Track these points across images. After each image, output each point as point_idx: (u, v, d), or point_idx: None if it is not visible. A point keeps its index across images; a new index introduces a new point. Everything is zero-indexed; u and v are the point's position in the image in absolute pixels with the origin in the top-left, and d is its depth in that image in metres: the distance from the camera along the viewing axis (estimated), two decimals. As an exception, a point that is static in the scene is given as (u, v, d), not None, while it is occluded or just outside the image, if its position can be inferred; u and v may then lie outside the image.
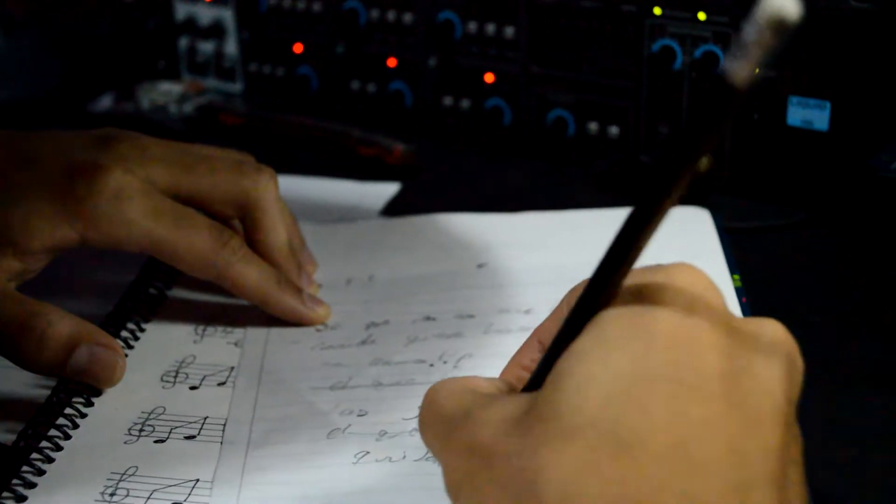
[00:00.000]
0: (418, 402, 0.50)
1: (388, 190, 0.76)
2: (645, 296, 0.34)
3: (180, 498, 0.45)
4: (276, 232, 0.58)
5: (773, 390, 0.33)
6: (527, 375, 0.39)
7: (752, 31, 0.29)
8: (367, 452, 0.48)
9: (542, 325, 0.41)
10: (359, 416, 0.50)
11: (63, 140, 0.56)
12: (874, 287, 0.63)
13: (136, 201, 0.54)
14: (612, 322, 0.34)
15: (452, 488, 0.35)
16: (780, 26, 0.28)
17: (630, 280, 0.34)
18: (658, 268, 0.36)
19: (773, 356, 0.34)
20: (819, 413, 0.50)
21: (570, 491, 0.31)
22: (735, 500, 0.31)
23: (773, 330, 0.35)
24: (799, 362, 0.35)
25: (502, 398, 0.35)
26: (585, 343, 0.33)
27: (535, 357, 0.40)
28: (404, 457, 0.47)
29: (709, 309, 0.34)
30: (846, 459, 0.48)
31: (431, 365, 0.54)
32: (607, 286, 0.34)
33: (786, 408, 0.33)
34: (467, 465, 0.34)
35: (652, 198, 0.32)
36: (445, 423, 0.35)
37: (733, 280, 0.58)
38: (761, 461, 0.32)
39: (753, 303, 0.56)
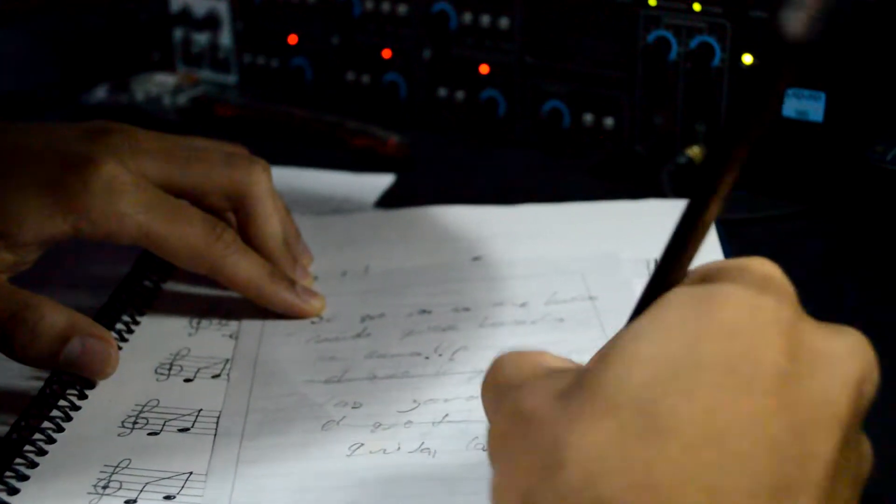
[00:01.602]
0: (413, 394, 0.51)
1: (382, 182, 0.76)
2: (713, 280, 0.34)
3: (174, 491, 0.45)
4: (270, 224, 0.58)
5: (835, 400, 0.32)
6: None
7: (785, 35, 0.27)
8: (362, 444, 0.47)
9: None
10: (353, 408, 0.50)
11: (56, 132, 0.56)
12: (869, 279, 0.63)
13: (129, 194, 0.54)
14: (674, 304, 0.33)
15: (490, 449, 0.35)
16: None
17: (702, 266, 0.34)
18: (732, 261, 0.35)
19: (842, 365, 0.33)
20: None
21: (592, 468, 0.30)
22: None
23: (850, 340, 0.34)
24: (874, 376, 0.34)
25: (559, 372, 0.35)
26: (643, 322, 0.33)
27: None
28: (399, 448, 0.47)
29: (778, 305, 0.33)
30: None
31: (427, 358, 0.54)
32: (673, 268, 0.34)
33: (847, 420, 0.32)
34: (508, 427, 0.34)
35: (714, 171, 0.32)
36: (501, 388, 0.36)
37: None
38: (804, 469, 0.30)
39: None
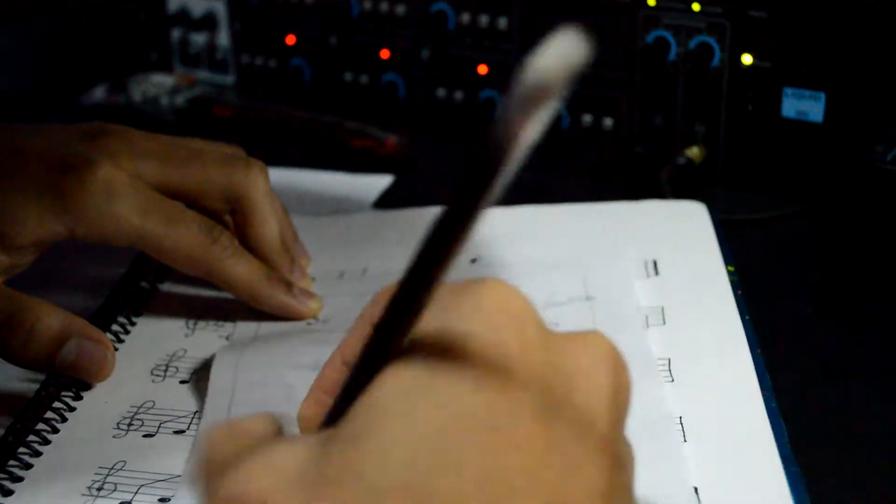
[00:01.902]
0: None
1: (381, 182, 0.76)
2: (449, 330, 0.30)
3: (168, 493, 0.45)
4: (268, 225, 0.58)
5: (596, 419, 0.30)
6: (330, 400, 0.34)
7: (521, 92, 0.25)
8: None
9: (344, 343, 0.37)
10: None
11: (52, 134, 0.56)
12: (869, 279, 0.62)
13: (125, 197, 0.54)
14: (415, 365, 0.29)
15: None
16: (545, 92, 0.25)
17: (433, 307, 0.30)
18: (464, 289, 0.32)
19: (594, 378, 0.31)
20: (812, 406, 0.50)
21: None
22: None
23: (594, 347, 0.32)
24: (625, 378, 0.32)
25: (277, 445, 0.29)
26: (385, 392, 0.29)
27: (336, 378, 0.35)
28: None
29: (522, 336, 0.30)
30: (840, 453, 0.48)
31: None
32: (403, 325, 0.30)
33: (611, 435, 0.31)
34: None
35: (435, 248, 0.28)
36: (218, 470, 0.29)
37: (728, 271, 0.58)
38: (587, 500, 0.29)
39: (748, 295, 0.56)
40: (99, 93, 0.90)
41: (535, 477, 0.28)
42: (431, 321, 0.30)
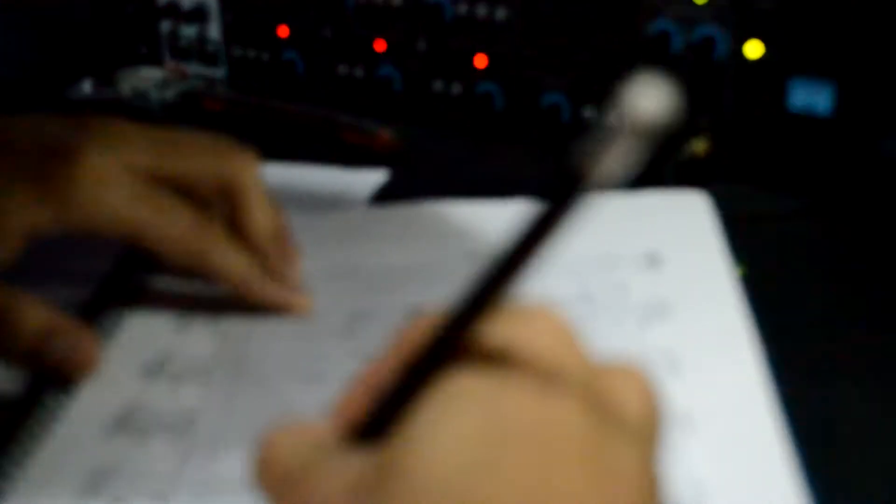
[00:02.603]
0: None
1: (375, 177, 0.75)
2: (499, 346, 0.31)
3: (160, 494, 0.44)
4: (259, 215, 0.57)
5: (637, 443, 0.31)
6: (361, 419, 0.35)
7: (614, 130, 0.25)
8: None
9: (370, 370, 0.37)
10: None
11: (41, 124, 0.56)
12: (879, 276, 0.62)
13: (115, 186, 0.53)
14: (464, 377, 0.30)
15: None
16: (643, 132, 0.25)
17: (482, 328, 0.31)
18: (514, 310, 0.32)
19: (632, 408, 0.32)
20: (820, 404, 0.50)
21: None
22: None
23: (632, 376, 0.33)
24: (660, 411, 0.33)
25: (340, 455, 0.32)
26: (436, 402, 0.30)
27: (361, 403, 0.36)
28: None
29: (568, 357, 0.32)
30: (846, 448, 0.48)
31: None
32: (456, 336, 0.31)
33: (647, 460, 0.32)
34: None
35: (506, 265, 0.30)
36: (279, 478, 0.32)
37: (733, 265, 0.57)
38: None
39: (753, 290, 0.55)
40: (86, 86, 0.90)
41: (577, 496, 0.29)
42: (483, 337, 0.31)
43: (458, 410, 0.30)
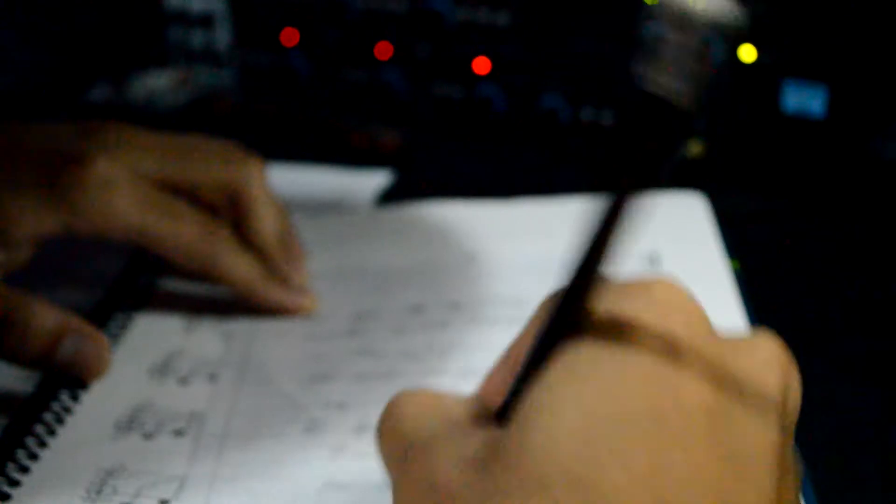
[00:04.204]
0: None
1: (380, 179, 0.76)
2: (619, 319, 0.30)
3: (168, 495, 0.44)
4: (265, 220, 0.58)
5: (766, 424, 0.30)
6: (498, 399, 0.34)
7: (682, 40, 0.24)
8: (345, 447, 0.47)
9: (514, 343, 0.37)
10: (338, 409, 0.49)
11: (49, 131, 0.56)
12: (872, 276, 0.62)
13: (122, 191, 0.54)
14: (584, 351, 0.30)
15: None
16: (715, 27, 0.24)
17: (603, 299, 0.30)
18: (635, 284, 0.32)
19: (765, 380, 0.31)
20: (815, 404, 0.50)
21: None
22: None
23: (763, 347, 0.32)
24: (795, 383, 0.32)
25: (468, 430, 0.32)
26: (555, 376, 0.30)
27: (505, 378, 0.35)
28: None
29: (691, 332, 0.30)
30: (844, 451, 0.48)
31: (417, 356, 0.53)
32: (575, 310, 0.30)
33: (779, 440, 0.30)
34: (421, 498, 0.31)
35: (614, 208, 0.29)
36: (403, 445, 0.32)
37: (732, 264, 0.57)
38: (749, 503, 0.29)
39: (750, 293, 0.55)
40: (98, 92, 0.90)
41: (703, 478, 0.28)
42: (603, 310, 0.31)
43: (573, 392, 0.29)
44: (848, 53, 0.66)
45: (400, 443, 0.33)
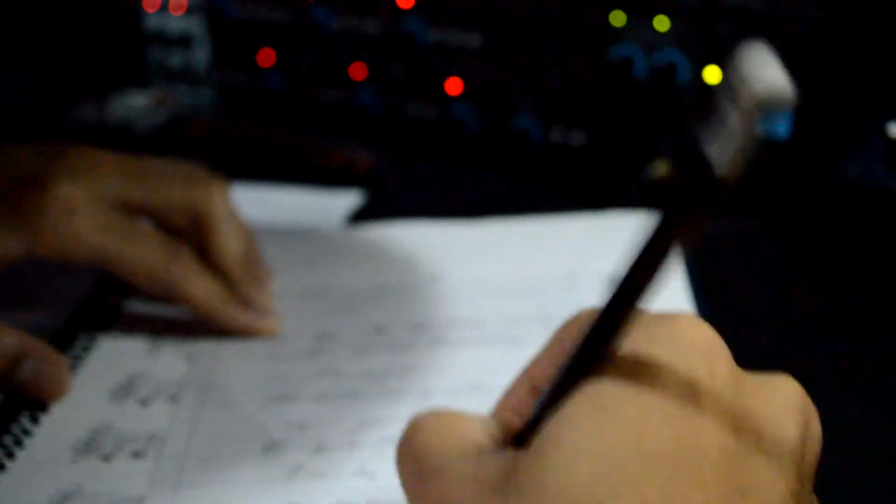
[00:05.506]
0: (362, 415, 0.50)
1: (350, 200, 0.76)
2: (643, 358, 0.31)
3: None
4: (229, 243, 0.58)
5: (783, 469, 0.30)
6: (516, 420, 0.35)
7: (736, 116, 0.23)
8: (302, 466, 0.47)
9: (533, 364, 0.37)
10: (299, 429, 0.50)
11: (10, 153, 0.56)
12: (834, 295, 0.62)
13: (84, 214, 0.54)
14: (607, 388, 0.30)
15: None
16: (770, 109, 0.24)
17: (629, 335, 0.31)
18: (660, 320, 0.32)
19: (784, 425, 0.31)
20: None
21: None
22: None
23: (784, 392, 0.32)
24: (815, 425, 0.32)
25: (486, 454, 0.32)
26: (576, 409, 0.30)
27: (523, 398, 0.36)
28: (339, 471, 0.47)
29: (713, 373, 0.31)
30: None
31: (379, 377, 0.53)
32: (602, 347, 0.31)
33: (795, 485, 0.30)
34: None
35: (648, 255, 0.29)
36: (420, 466, 0.33)
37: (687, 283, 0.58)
38: None
39: (709, 312, 0.55)
40: (76, 112, 0.90)
41: None
42: (626, 346, 0.31)
43: (594, 426, 0.29)
44: (812, 76, 0.66)
45: (417, 464, 0.33)
